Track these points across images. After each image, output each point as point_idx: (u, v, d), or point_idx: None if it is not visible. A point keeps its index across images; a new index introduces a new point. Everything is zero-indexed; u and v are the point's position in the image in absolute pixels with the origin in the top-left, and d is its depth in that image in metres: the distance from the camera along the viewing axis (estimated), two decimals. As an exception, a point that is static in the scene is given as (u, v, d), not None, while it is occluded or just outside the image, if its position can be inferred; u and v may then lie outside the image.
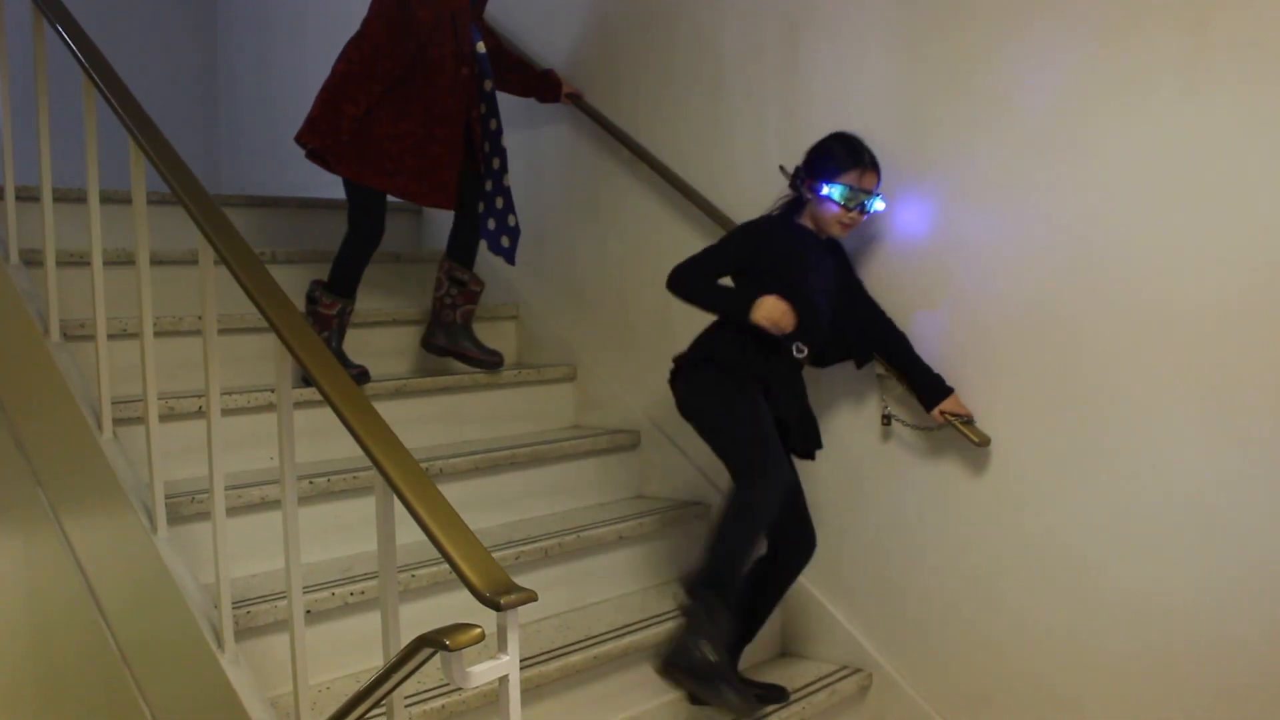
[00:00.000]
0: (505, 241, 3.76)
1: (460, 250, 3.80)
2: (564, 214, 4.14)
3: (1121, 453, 2.84)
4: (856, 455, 3.33)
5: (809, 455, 3.12)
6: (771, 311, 2.87)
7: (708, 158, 3.66)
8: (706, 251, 3.10)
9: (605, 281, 4.03)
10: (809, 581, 3.38)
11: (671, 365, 3.10)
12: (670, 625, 3.10)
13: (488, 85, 3.67)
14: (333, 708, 1.98)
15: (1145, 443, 2.81)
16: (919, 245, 3.16)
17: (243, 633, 2.54)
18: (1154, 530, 2.81)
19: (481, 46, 3.65)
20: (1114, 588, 2.88)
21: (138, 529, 2.64)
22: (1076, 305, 2.88)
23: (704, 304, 3.03)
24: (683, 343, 3.72)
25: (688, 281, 3.03)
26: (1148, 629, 2.84)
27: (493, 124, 3.71)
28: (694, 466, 3.76)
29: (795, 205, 3.10)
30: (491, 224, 3.75)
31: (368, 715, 2.37)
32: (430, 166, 3.51)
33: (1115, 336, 2.83)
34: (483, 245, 3.79)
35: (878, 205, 3.06)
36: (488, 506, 3.42)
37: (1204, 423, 2.72)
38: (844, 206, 2.99)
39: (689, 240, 3.69)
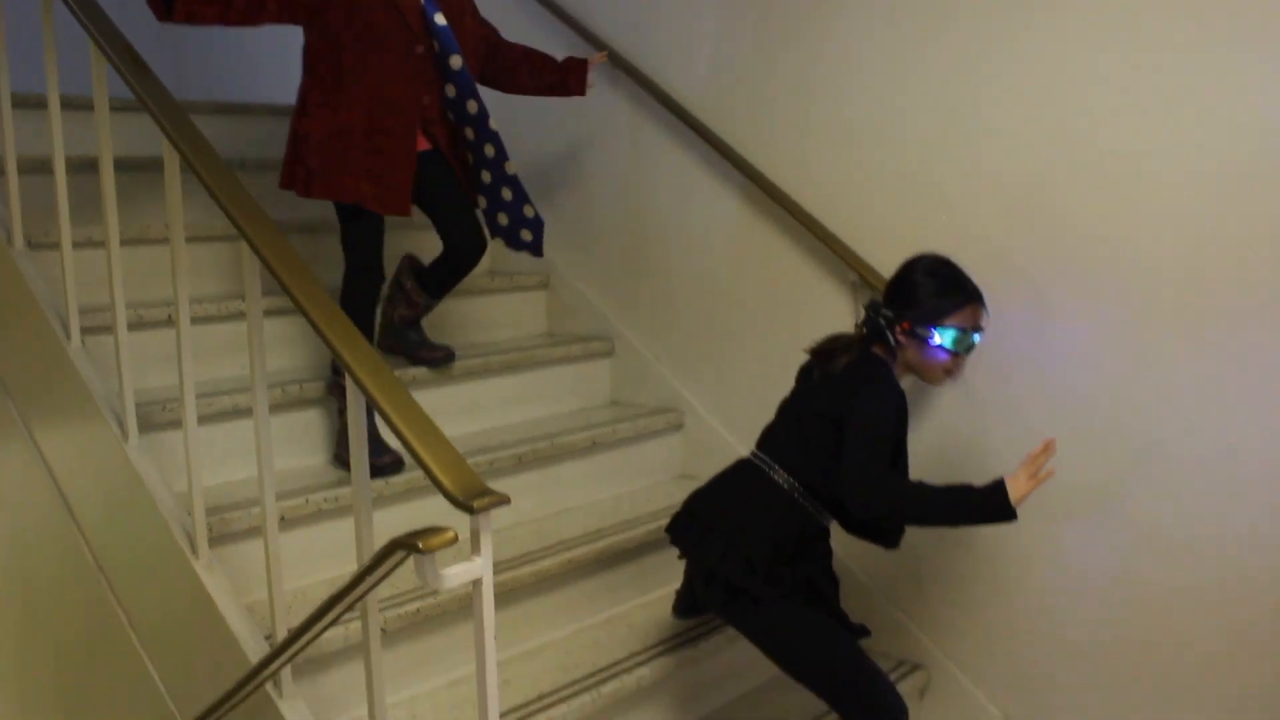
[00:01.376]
0: (526, 235, 3.40)
1: (434, 278, 3.29)
2: (534, 122, 4.09)
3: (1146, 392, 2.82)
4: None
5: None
6: (1026, 492, 2.33)
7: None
8: (869, 447, 2.45)
9: (578, 186, 4.01)
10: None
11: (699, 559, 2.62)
12: (644, 530, 3.14)
13: (454, 62, 3.12)
14: (308, 612, 1.99)
15: (1173, 383, 2.77)
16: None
17: (217, 539, 2.55)
18: (1181, 467, 2.78)
19: (440, 19, 3.11)
20: (1141, 521, 2.85)
21: (109, 438, 2.63)
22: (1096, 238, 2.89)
23: (940, 521, 2.59)
24: (657, 251, 3.75)
25: (897, 495, 2.44)
26: (1170, 562, 2.84)
27: (471, 106, 3.19)
28: (667, 373, 3.77)
29: (870, 344, 2.60)
30: (503, 219, 3.37)
31: (342, 619, 2.39)
32: (384, 165, 3.06)
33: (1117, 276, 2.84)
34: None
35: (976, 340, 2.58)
36: (460, 413, 3.42)
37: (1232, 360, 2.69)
38: (955, 353, 2.53)
39: (662, 143, 3.67)
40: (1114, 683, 2.94)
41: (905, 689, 3.00)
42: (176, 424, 2.61)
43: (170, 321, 2.79)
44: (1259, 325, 2.61)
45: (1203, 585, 2.77)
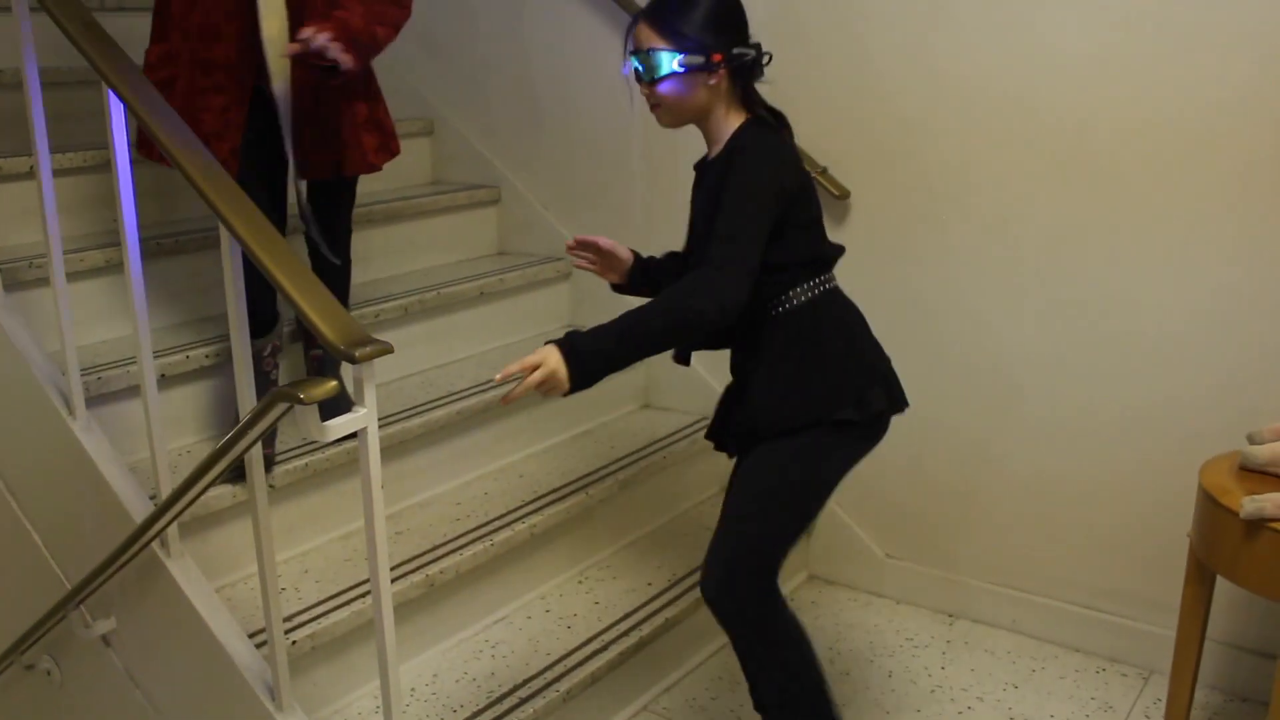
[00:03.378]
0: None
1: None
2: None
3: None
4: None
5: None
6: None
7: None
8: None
9: (462, 30, 3.88)
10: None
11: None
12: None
13: None
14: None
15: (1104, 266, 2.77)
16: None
17: (95, 399, 2.47)
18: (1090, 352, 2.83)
19: None
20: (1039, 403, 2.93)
21: (-28, 297, 2.53)
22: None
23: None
24: (544, 96, 3.67)
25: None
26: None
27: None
28: (555, 221, 3.72)
29: None
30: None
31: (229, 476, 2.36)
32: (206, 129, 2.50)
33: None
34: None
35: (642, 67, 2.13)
36: (344, 266, 3.34)
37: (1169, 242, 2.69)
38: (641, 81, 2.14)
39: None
40: (977, 520, 3.08)
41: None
42: (44, 282, 2.51)
43: (31, 173, 2.66)
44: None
45: (1052, 445, 2.90)
